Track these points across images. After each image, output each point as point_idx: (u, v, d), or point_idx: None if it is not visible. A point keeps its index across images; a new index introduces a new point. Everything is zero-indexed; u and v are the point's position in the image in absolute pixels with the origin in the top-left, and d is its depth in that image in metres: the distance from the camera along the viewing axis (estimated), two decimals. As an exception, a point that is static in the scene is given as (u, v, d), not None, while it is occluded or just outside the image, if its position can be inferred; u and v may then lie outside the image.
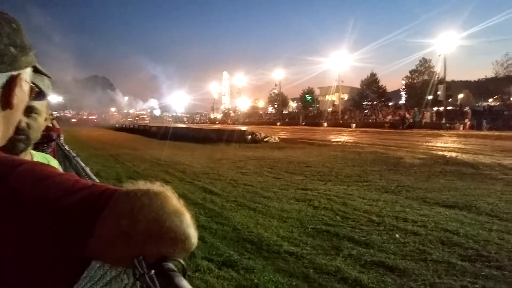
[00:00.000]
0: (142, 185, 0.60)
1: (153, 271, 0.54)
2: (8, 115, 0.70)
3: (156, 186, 0.60)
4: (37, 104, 1.34)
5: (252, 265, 3.92)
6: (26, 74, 0.73)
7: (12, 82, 0.69)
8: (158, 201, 0.56)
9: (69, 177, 0.58)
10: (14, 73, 0.69)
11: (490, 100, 57.35)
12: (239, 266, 3.90)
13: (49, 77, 0.85)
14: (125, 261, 0.56)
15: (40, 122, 1.39)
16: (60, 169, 1.35)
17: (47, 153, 5.12)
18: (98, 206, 0.53)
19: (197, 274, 3.68)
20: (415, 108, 39.66)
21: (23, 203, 0.53)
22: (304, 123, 53.82)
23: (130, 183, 0.61)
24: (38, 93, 0.82)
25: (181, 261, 0.56)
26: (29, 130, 1.33)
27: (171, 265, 0.56)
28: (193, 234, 0.58)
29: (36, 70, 0.79)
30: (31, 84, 0.75)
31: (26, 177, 0.56)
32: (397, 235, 4.78)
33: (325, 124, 47.42)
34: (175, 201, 0.58)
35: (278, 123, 57.25)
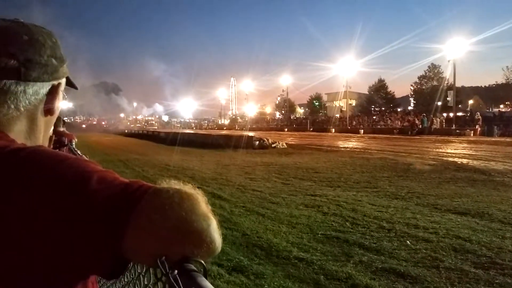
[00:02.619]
0: (175, 184, 0.62)
1: (176, 271, 0.54)
2: (48, 120, 0.78)
3: (188, 187, 0.62)
4: None
5: (262, 270, 3.90)
6: (63, 83, 0.80)
7: (53, 91, 0.76)
8: (188, 202, 0.58)
9: (109, 174, 0.61)
10: (55, 82, 0.76)
11: (501, 106, 56.80)
12: (249, 271, 3.89)
13: (76, 88, 0.91)
14: (148, 259, 0.57)
15: None
16: None
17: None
18: (133, 200, 0.56)
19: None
20: (423, 114, 39.28)
21: (69, 194, 0.55)
22: (311, 129, 53.61)
23: (163, 182, 0.63)
24: None
25: (203, 262, 0.57)
26: None
27: (192, 266, 0.57)
28: (218, 240, 0.60)
29: (67, 81, 0.84)
30: (64, 94, 0.82)
31: (72, 169, 0.58)
32: (408, 242, 4.73)
33: (333, 130, 47.16)
34: (204, 205, 0.61)
35: (286, 129, 57.07)
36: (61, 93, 0.79)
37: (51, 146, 2.15)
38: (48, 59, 0.72)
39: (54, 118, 0.79)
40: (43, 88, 0.73)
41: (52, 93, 0.75)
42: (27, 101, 0.70)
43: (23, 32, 0.70)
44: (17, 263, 0.54)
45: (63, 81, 0.80)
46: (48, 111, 0.76)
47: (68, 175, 0.57)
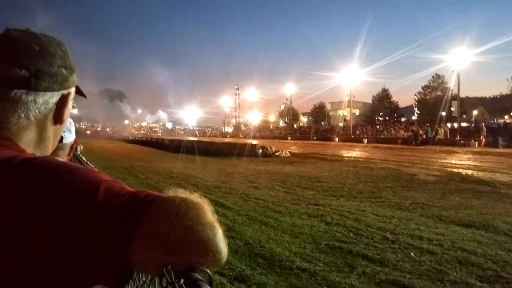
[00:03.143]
0: (181, 193, 0.62)
1: (182, 280, 0.54)
2: (57, 129, 0.79)
3: (194, 196, 0.62)
4: None
5: (265, 280, 3.87)
6: (72, 92, 0.82)
7: (63, 100, 0.77)
8: (194, 211, 0.58)
9: (116, 184, 0.61)
10: (65, 92, 0.77)
11: (506, 117, 56.59)
12: (251, 281, 3.86)
13: (84, 96, 0.92)
14: (154, 268, 0.57)
15: None
16: None
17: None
18: (140, 209, 0.56)
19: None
20: (427, 124, 39.19)
21: (77, 204, 0.55)
22: (315, 137, 53.53)
23: (170, 190, 0.63)
24: None
25: (208, 271, 0.57)
26: None
27: (198, 275, 0.56)
28: (224, 249, 0.59)
29: (76, 90, 0.85)
30: (73, 103, 0.84)
31: (81, 179, 0.59)
32: (412, 254, 4.69)
33: (337, 139, 47.07)
34: (210, 214, 0.60)
35: (289, 138, 57.02)
36: (70, 102, 0.80)
37: (71, 154, 2.17)
38: (58, 69, 0.73)
39: (63, 127, 0.81)
40: (53, 97, 0.74)
41: (62, 103, 0.77)
42: (37, 111, 0.72)
43: (34, 42, 0.71)
44: (23, 272, 0.54)
45: (72, 90, 0.81)
46: (58, 120, 0.77)
47: (77, 185, 0.57)
